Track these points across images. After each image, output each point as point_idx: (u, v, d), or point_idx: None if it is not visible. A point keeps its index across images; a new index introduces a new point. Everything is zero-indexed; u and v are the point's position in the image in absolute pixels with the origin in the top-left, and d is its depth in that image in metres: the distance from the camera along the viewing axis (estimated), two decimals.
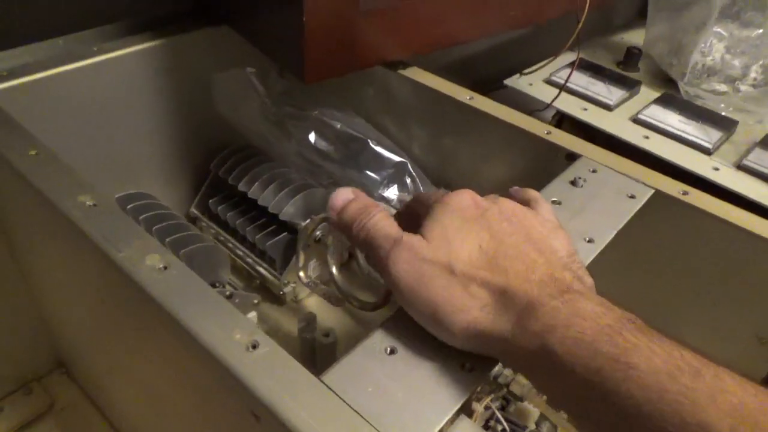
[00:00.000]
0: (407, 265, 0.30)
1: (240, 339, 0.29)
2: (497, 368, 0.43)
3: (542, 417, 0.51)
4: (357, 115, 0.60)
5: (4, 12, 0.52)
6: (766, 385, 0.57)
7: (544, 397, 0.48)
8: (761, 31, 0.77)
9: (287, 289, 0.61)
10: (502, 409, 0.51)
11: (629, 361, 0.25)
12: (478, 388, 0.46)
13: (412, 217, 0.33)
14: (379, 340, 0.30)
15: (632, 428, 0.24)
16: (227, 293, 0.56)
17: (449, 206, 0.32)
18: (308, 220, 0.57)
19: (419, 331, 0.30)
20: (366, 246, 0.32)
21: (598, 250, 0.38)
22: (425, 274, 0.29)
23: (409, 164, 0.57)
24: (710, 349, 0.50)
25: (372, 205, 0.34)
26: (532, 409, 0.50)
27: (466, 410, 0.32)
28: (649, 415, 0.24)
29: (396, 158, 0.57)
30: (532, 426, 0.51)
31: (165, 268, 0.32)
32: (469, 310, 0.28)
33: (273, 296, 0.63)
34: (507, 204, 0.33)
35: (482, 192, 0.33)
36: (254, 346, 0.29)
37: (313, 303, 0.64)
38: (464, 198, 0.33)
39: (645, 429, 0.24)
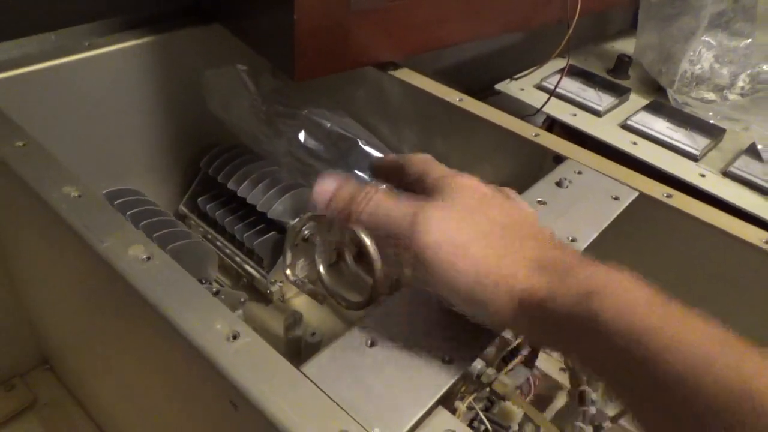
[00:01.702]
0: (441, 233, 0.27)
1: (221, 329, 0.29)
2: (480, 366, 0.43)
3: (525, 418, 0.51)
4: (347, 115, 0.60)
5: None
6: None
7: (527, 398, 0.48)
8: (749, 41, 0.78)
9: (274, 288, 0.61)
10: (487, 410, 0.51)
11: (674, 330, 0.23)
12: (462, 388, 0.46)
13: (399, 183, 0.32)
14: (360, 333, 0.30)
15: (671, 398, 0.23)
16: (214, 290, 0.56)
17: (461, 185, 0.30)
18: (297, 219, 0.57)
19: (400, 325, 0.30)
20: (376, 230, 0.30)
21: (581, 250, 0.38)
22: (462, 239, 0.27)
23: None
24: None
25: (365, 187, 0.31)
26: (516, 410, 0.51)
27: (448, 408, 0.33)
28: (690, 385, 0.22)
29: None
30: (516, 427, 0.51)
31: (148, 258, 0.32)
32: (510, 273, 0.27)
33: (260, 295, 0.63)
34: (507, 196, 0.32)
35: None
36: (234, 337, 0.29)
37: (299, 303, 0.64)
38: (472, 181, 0.31)
39: (684, 400, 0.23)
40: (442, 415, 0.27)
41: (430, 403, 0.27)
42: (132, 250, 0.33)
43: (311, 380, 0.27)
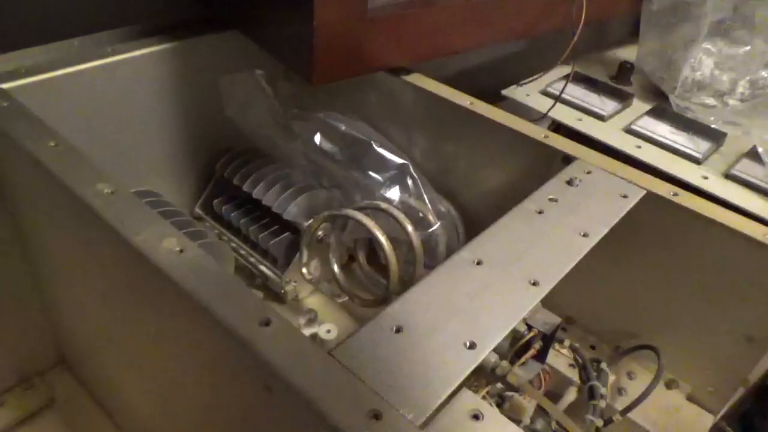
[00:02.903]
0: None
1: (254, 316, 0.30)
2: (494, 360, 0.44)
3: (536, 413, 0.52)
4: (361, 118, 0.62)
5: (23, 13, 0.54)
6: (760, 391, 0.58)
7: (541, 389, 0.50)
8: (748, 48, 0.80)
9: (288, 288, 0.63)
10: (498, 406, 0.52)
11: None
12: (475, 383, 0.47)
13: None
14: (386, 319, 0.32)
15: None
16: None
17: None
18: (312, 220, 0.58)
19: (424, 312, 0.32)
20: None
21: (593, 244, 0.40)
22: None
23: (410, 166, 0.59)
24: (699, 346, 0.52)
25: None
26: (527, 404, 0.52)
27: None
28: None
29: (398, 160, 0.58)
30: (527, 421, 0.52)
31: (181, 251, 0.34)
32: None
33: (274, 294, 0.65)
34: None
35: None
36: (267, 323, 0.30)
37: (313, 301, 0.66)
38: None
39: None
40: (467, 395, 0.29)
41: (455, 385, 0.29)
42: (166, 243, 0.34)
43: (342, 364, 0.29)
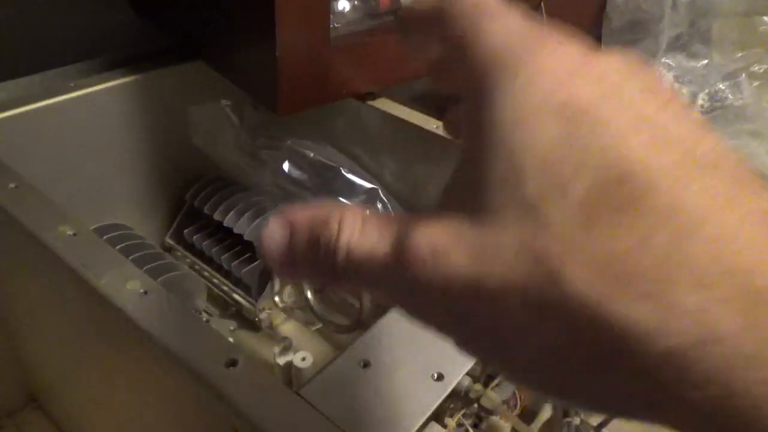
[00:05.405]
0: (435, 305, 0.16)
1: (218, 357, 0.30)
2: (467, 383, 0.44)
3: (513, 430, 0.52)
4: (329, 144, 0.62)
5: None
6: None
7: (514, 412, 0.50)
8: (706, 61, 0.82)
9: (263, 316, 0.62)
10: (475, 426, 0.52)
11: None
12: (451, 405, 0.48)
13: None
14: (353, 355, 0.32)
15: None
16: (204, 320, 0.57)
17: (524, 93, 0.15)
18: None
19: (391, 345, 0.32)
20: (358, 283, 0.18)
21: None
22: (484, 302, 0.14)
23: (380, 190, 0.59)
24: None
25: (327, 219, 0.18)
26: (504, 424, 0.52)
27: (440, 425, 0.34)
28: None
29: (367, 185, 0.59)
30: None
31: (145, 292, 0.34)
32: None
33: (249, 323, 0.64)
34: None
35: None
36: (233, 364, 0.30)
37: (288, 329, 0.65)
38: (557, 57, 0.16)
39: None
40: (434, 430, 0.29)
41: (423, 420, 0.29)
42: (129, 284, 0.34)
43: (309, 402, 0.29)
